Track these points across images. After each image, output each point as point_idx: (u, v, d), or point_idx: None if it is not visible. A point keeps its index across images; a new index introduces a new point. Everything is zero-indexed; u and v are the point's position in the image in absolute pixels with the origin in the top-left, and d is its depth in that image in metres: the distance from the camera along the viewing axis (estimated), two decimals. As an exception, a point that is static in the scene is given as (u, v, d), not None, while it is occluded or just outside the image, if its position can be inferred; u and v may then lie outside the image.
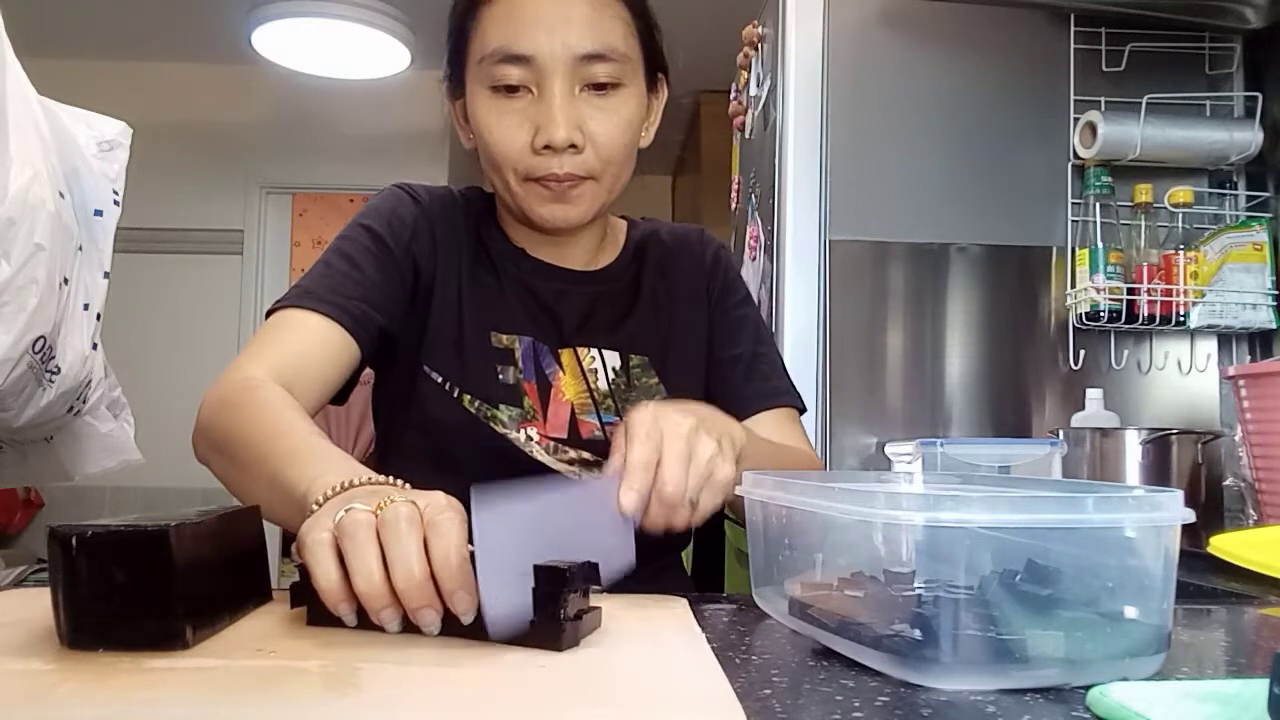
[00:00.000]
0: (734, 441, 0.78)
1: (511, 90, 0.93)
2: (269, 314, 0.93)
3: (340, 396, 0.97)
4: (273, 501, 0.71)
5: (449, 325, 1.00)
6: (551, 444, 0.99)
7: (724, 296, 1.11)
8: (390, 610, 0.56)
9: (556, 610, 0.55)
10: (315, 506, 0.63)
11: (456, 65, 1.00)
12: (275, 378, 0.86)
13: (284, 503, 0.69)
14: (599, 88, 0.94)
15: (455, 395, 0.98)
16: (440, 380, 0.99)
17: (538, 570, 0.57)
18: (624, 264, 1.09)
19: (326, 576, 0.56)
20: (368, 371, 1.02)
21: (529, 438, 0.98)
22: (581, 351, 1.02)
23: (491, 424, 0.97)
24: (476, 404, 0.98)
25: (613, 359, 1.03)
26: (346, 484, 0.65)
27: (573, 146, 0.93)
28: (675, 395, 1.04)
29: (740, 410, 1.04)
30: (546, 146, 0.92)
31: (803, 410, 1.11)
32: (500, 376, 0.99)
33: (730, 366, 1.08)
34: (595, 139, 0.94)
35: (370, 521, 0.57)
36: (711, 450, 0.73)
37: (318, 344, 0.91)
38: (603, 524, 0.67)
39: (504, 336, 1.00)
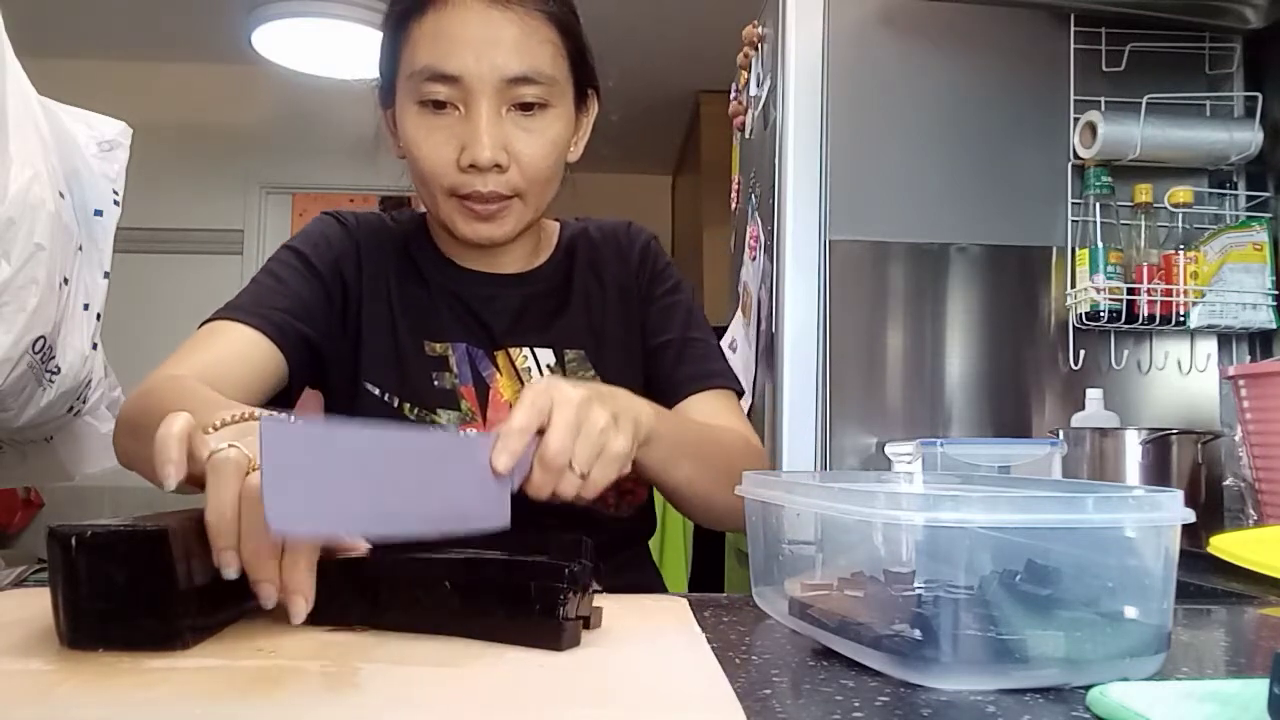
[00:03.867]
0: (636, 419, 0.77)
1: (439, 107, 0.94)
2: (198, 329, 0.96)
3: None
4: None
5: (383, 340, 1.02)
6: None
7: (653, 286, 1.11)
8: (229, 553, 0.56)
9: (556, 610, 0.55)
10: (215, 427, 0.64)
11: (387, 75, 1.01)
12: (197, 378, 0.87)
13: None
14: (525, 108, 0.95)
15: (395, 405, 1.00)
16: (379, 393, 1.01)
17: (534, 566, 0.57)
18: (554, 264, 1.10)
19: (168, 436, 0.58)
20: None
21: None
22: (514, 352, 1.04)
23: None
24: (416, 411, 1.00)
25: (546, 356, 1.04)
26: (249, 414, 0.66)
27: (497, 166, 0.94)
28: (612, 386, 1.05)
29: (674, 394, 1.05)
30: (472, 165, 0.93)
31: (740, 393, 1.10)
32: (436, 383, 1.01)
33: (662, 353, 1.08)
34: (520, 159, 0.95)
35: (241, 464, 0.57)
36: (604, 422, 0.72)
37: (239, 350, 0.94)
38: (472, 479, 0.65)
39: (437, 345, 1.02)
